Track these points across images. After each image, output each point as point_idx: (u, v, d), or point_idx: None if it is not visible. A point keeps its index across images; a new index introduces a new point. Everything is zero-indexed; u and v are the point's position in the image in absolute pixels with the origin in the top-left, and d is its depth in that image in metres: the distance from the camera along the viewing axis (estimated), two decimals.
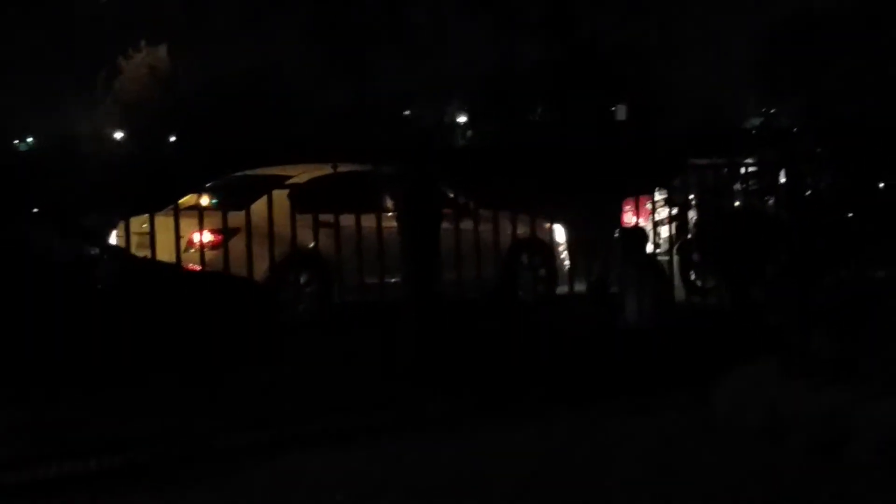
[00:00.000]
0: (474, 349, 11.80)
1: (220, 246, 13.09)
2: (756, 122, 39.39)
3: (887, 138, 14.61)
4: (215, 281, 12.24)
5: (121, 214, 13.62)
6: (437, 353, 11.45)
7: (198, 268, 12.78)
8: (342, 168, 14.96)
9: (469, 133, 39.75)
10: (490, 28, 33.74)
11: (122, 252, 12.13)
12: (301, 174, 15.88)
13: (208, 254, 13.16)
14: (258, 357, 11.55)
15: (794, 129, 33.92)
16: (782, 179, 14.63)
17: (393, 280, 12.68)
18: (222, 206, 13.75)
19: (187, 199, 14.54)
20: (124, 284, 11.11)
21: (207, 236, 13.59)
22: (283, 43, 34.89)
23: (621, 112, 34.39)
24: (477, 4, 31.94)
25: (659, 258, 14.37)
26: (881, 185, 14.07)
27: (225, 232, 12.96)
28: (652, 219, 14.48)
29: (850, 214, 13.26)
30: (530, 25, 33.56)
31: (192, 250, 13.47)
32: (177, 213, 12.46)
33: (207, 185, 15.77)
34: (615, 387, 10.38)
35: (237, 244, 12.87)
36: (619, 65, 34.06)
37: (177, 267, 12.11)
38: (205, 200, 14.42)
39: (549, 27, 32.73)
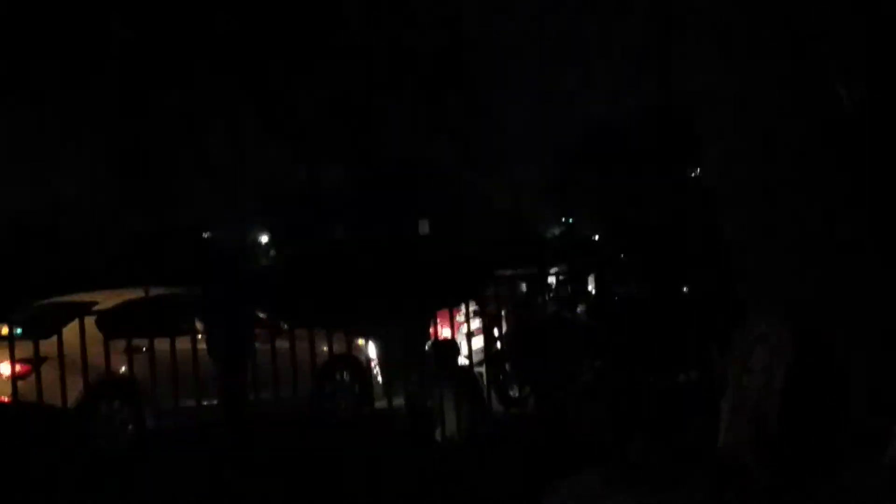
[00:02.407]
0: (284, 469, 11.78)
1: (30, 375, 12.83)
2: (557, 231, 40.24)
3: (681, 241, 15.04)
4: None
5: None
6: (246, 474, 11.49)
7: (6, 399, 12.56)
8: (152, 292, 14.85)
9: (272, 252, 39.67)
10: (290, 151, 33.87)
11: None
12: (108, 299, 15.61)
13: (19, 384, 12.85)
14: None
15: (596, 238, 34.81)
16: (591, 286, 14.95)
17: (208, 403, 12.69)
18: (30, 335, 13.46)
19: None
20: None
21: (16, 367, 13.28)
22: (79, 171, 34.39)
23: (424, 226, 34.76)
24: (276, 131, 32.11)
25: (475, 369, 14.47)
26: (685, 289, 14.47)
27: (35, 361, 12.72)
28: (466, 330, 14.60)
29: (656, 320, 13.59)
30: (331, 148, 33.81)
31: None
32: None
33: (11, 314, 15.40)
34: None
35: (48, 372, 12.65)
36: (421, 180, 34.51)
37: None
38: (5, 330, 14.13)
39: (350, 149, 33.04)
